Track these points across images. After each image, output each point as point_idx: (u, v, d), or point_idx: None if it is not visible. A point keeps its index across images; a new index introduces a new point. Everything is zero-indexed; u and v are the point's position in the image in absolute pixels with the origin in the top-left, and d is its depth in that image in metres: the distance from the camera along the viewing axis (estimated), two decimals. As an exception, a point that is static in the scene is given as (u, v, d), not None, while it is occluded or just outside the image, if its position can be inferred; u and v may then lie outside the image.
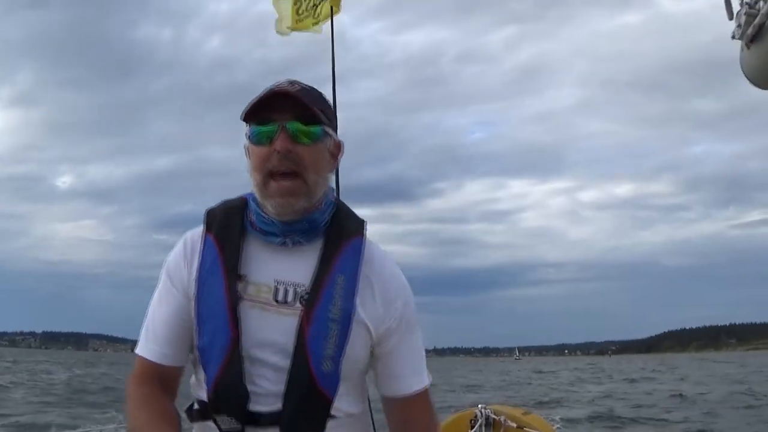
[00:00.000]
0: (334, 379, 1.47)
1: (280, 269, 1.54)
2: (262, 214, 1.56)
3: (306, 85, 1.57)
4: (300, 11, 5.15)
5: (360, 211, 1.71)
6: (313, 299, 1.49)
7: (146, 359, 1.56)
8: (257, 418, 1.47)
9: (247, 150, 1.57)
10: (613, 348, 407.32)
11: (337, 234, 1.58)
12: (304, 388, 1.45)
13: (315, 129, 1.52)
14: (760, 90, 1.56)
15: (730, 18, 1.51)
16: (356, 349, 1.51)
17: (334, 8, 4.57)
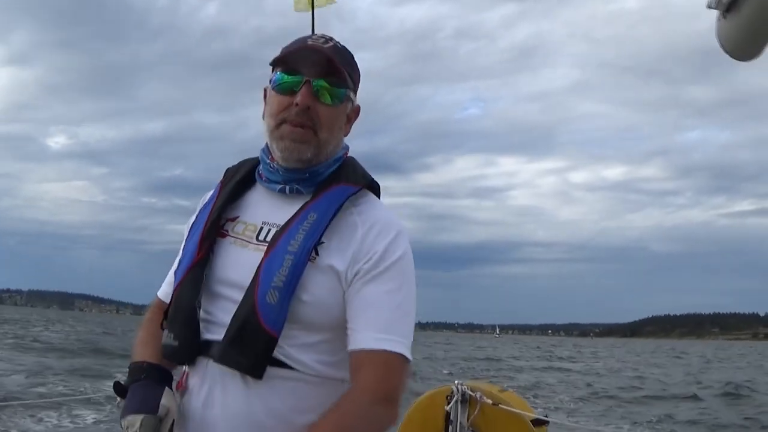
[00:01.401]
0: (278, 313, 1.37)
1: (271, 212, 1.54)
2: (268, 161, 1.58)
3: (339, 43, 1.57)
4: None
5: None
6: (279, 233, 1.46)
7: (157, 296, 1.72)
8: (204, 346, 1.44)
9: (265, 93, 1.59)
10: (597, 330, 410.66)
11: (332, 182, 1.54)
12: (244, 317, 1.38)
13: (339, 91, 1.52)
14: (740, 62, 1.46)
15: None
16: (317, 291, 1.42)
17: None
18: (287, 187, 1.54)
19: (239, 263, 1.47)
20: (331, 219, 1.46)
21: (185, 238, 1.63)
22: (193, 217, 1.66)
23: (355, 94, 1.61)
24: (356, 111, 1.63)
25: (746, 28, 1.35)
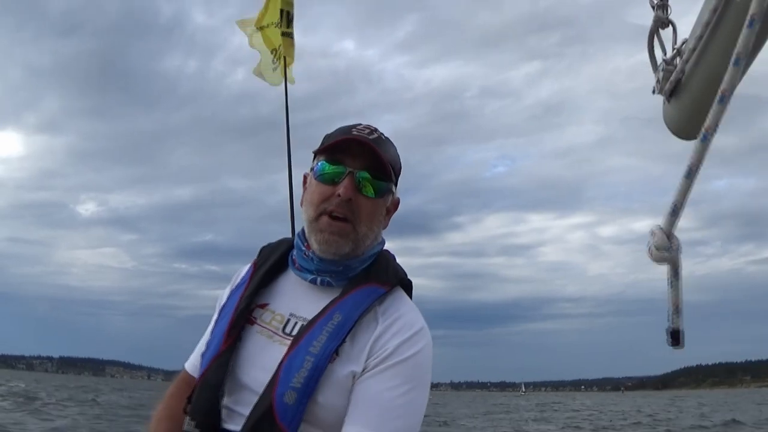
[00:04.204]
0: (293, 414, 1.37)
1: (300, 304, 1.57)
2: (303, 248, 1.60)
3: (383, 134, 1.60)
4: (274, 60, 4.81)
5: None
6: (303, 332, 1.47)
7: (185, 368, 1.74)
8: None
9: (305, 179, 1.66)
10: (629, 384, 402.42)
11: (361, 280, 1.56)
12: (261, 415, 1.39)
13: (381, 184, 1.55)
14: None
15: (655, 71, 1.56)
16: (333, 393, 1.42)
17: (287, 59, 4.40)
18: (318, 279, 1.56)
19: (263, 357, 1.48)
20: (356, 321, 1.46)
21: (216, 313, 1.67)
22: (227, 292, 1.71)
23: (396, 185, 1.62)
24: (396, 204, 1.64)
25: (687, 112, 1.45)
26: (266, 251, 1.73)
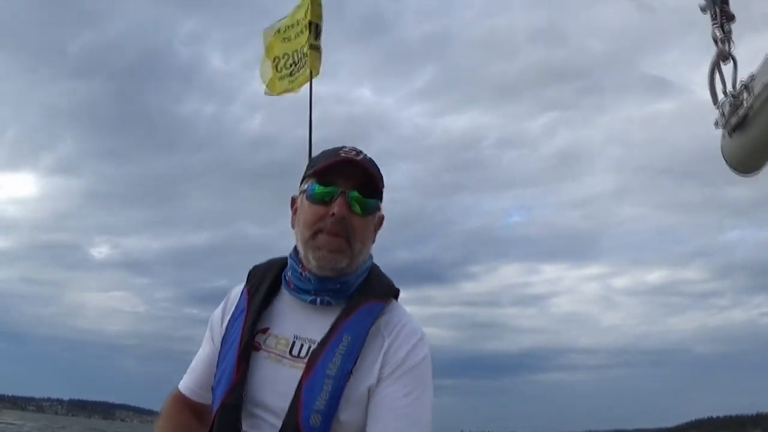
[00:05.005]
0: None
1: (302, 325, 1.63)
2: (299, 270, 1.67)
3: (367, 155, 1.66)
4: (279, 68, 4.97)
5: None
6: (316, 355, 1.54)
7: (179, 389, 1.82)
8: None
9: (294, 202, 1.73)
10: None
11: (360, 296, 1.64)
12: None
13: (371, 202, 1.64)
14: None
15: (715, 105, 1.54)
16: (353, 411, 1.52)
17: (312, 71, 4.53)
18: (318, 299, 1.63)
19: (277, 380, 1.56)
20: (364, 339, 1.55)
21: (208, 332, 1.77)
22: (219, 312, 1.78)
23: (381, 203, 1.70)
24: (380, 220, 1.73)
25: (751, 147, 1.42)
26: (257, 274, 1.79)
